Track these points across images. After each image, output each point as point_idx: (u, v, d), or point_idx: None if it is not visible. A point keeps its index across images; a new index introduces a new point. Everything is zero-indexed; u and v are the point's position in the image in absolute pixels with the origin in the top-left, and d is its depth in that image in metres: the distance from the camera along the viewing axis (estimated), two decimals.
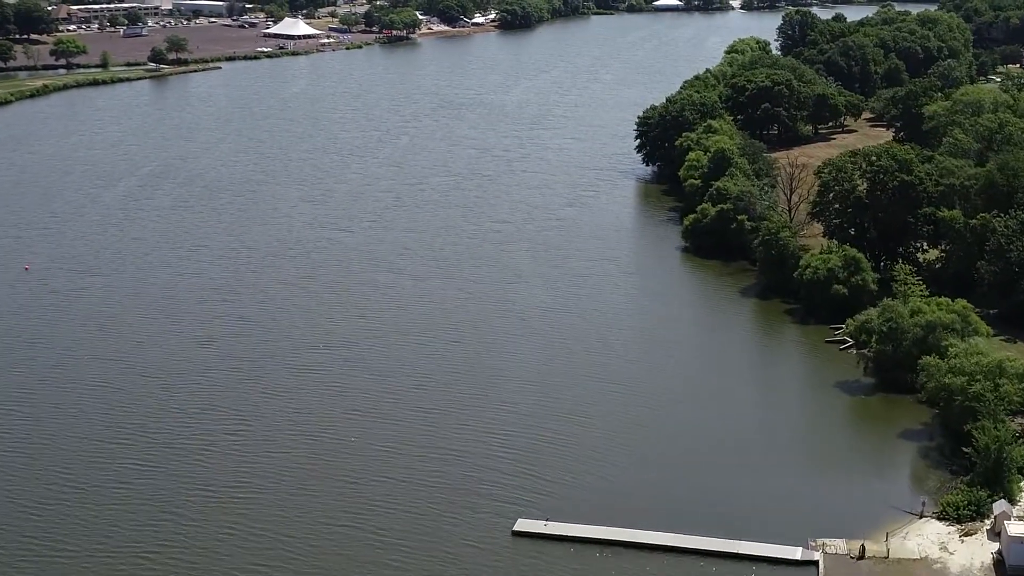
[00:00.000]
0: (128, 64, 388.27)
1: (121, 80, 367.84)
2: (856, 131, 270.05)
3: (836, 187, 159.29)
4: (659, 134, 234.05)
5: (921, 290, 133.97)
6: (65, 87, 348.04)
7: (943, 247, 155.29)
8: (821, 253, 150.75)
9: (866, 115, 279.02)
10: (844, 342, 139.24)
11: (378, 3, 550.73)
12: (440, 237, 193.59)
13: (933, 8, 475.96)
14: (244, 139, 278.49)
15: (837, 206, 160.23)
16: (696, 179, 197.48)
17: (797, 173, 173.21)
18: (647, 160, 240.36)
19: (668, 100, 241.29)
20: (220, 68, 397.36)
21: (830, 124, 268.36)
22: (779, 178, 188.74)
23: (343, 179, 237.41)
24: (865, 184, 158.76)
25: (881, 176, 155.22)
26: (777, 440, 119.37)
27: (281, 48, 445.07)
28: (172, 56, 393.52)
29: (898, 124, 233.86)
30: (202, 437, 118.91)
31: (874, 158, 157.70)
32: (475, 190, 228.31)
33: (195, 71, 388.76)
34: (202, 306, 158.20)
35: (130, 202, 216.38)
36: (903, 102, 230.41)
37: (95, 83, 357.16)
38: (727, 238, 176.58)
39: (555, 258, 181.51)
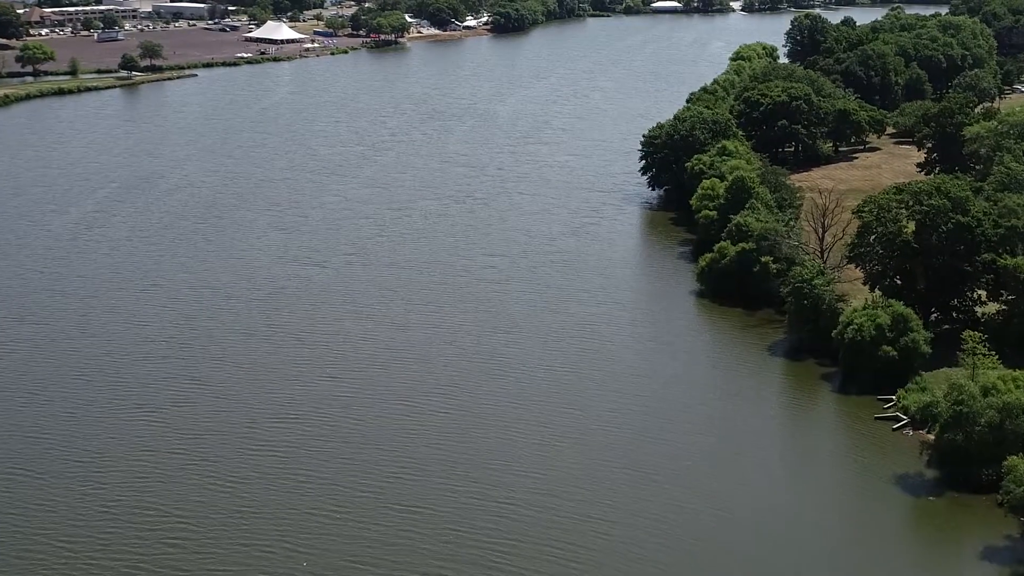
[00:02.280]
0: (99, 71, 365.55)
1: (89, 89, 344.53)
2: (880, 149, 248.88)
3: (879, 228, 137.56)
4: (667, 155, 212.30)
5: (993, 361, 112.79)
6: (28, 97, 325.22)
7: (1004, 299, 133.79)
8: (865, 308, 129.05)
9: (889, 129, 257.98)
10: (897, 419, 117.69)
11: (366, 5, 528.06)
12: (426, 275, 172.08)
13: (944, 11, 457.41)
14: (215, 156, 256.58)
15: (880, 250, 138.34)
16: (711, 210, 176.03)
17: (831, 208, 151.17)
18: (653, 184, 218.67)
19: (676, 118, 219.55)
20: (196, 76, 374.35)
21: (852, 141, 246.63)
22: (806, 210, 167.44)
23: (320, 203, 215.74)
24: (913, 225, 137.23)
25: (933, 217, 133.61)
26: (814, 549, 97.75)
27: (262, 53, 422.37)
28: (145, 63, 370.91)
29: (930, 144, 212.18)
30: (134, 542, 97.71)
31: (924, 196, 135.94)
32: (466, 216, 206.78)
33: (169, 79, 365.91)
34: (146, 366, 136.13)
35: (82, 230, 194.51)
36: (936, 120, 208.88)
37: (60, 92, 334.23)
38: (749, 282, 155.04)
39: (555, 301, 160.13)
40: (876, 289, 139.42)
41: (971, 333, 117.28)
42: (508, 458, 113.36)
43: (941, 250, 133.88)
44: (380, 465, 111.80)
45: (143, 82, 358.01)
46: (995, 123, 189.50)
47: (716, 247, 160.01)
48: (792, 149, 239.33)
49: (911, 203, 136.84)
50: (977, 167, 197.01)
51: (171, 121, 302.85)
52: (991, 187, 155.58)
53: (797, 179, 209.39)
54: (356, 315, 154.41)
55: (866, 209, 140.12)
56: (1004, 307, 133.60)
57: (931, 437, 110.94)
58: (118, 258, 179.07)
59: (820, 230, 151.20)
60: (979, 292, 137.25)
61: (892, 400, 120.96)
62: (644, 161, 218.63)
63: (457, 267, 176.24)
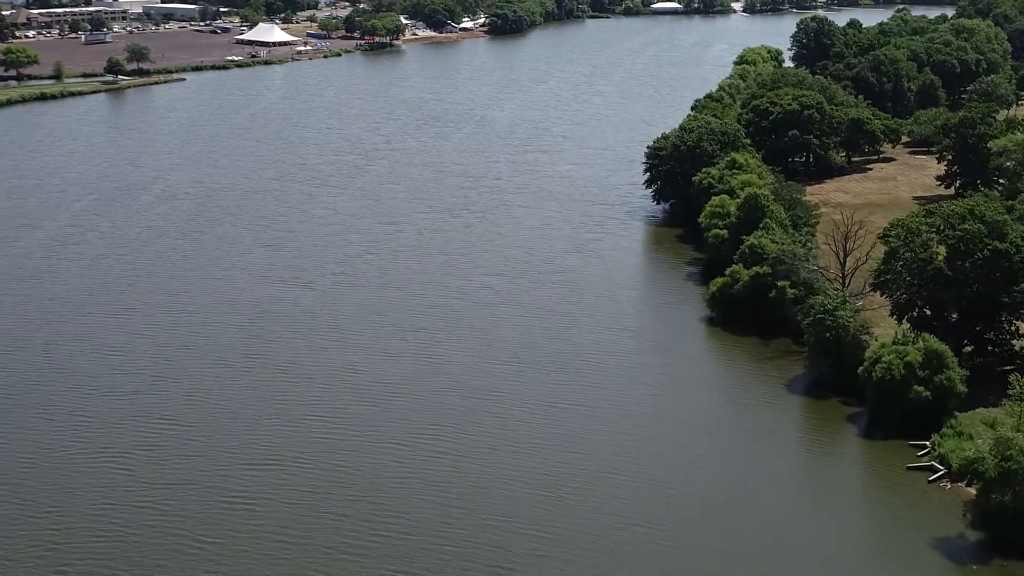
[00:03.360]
0: (84, 75, 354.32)
1: (73, 94, 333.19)
2: (895, 160, 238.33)
3: (907, 254, 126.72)
4: (673, 167, 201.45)
5: None
6: (9, 103, 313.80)
7: None
8: (894, 343, 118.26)
9: (903, 138, 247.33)
10: (932, 469, 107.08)
11: (361, 6, 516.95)
12: (419, 297, 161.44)
13: (950, 12, 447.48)
14: (200, 165, 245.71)
15: (908, 278, 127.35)
16: (721, 229, 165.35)
17: (854, 231, 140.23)
18: (658, 197, 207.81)
19: (682, 128, 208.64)
20: (184, 80, 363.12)
21: (865, 151, 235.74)
22: (822, 228, 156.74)
23: (309, 216, 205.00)
24: (943, 250, 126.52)
25: (967, 243, 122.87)
26: None
27: (253, 56, 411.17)
28: (132, 66, 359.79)
29: (950, 155, 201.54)
30: None
31: (956, 220, 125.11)
32: (462, 231, 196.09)
33: (157, 83, 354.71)
34: (114, 402, 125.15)
35: (55, 247, 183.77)
36: (956, 130, 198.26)
37: (43, 97, 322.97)
38: (764, 309, 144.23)
39: (556, 327, 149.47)
40: (904, 320, 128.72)
41: (1020, 377, 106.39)
42: (507, 513, 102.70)
43: (976, 278, 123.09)
44: (366, 521, 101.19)
45: (129, 86, 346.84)
46: (1022, 135, 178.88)
47: (728, 271, 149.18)
48: (803, 160, 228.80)
49: (942, 227, 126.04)
50: (1002, 182, 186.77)
51: (156, 128, 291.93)
52: (1023, 206, 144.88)
53: (809, 192, 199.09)
54: (343, 344, 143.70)
55: (893, 233, 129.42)
56: None
57: (972, 492, 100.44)
58: (91, 279, 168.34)
59: (842, 254, 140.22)
60: (1016, 324, 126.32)
61: (926, 447, 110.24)
62: (648, 173, 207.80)
63: (452, 288, 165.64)
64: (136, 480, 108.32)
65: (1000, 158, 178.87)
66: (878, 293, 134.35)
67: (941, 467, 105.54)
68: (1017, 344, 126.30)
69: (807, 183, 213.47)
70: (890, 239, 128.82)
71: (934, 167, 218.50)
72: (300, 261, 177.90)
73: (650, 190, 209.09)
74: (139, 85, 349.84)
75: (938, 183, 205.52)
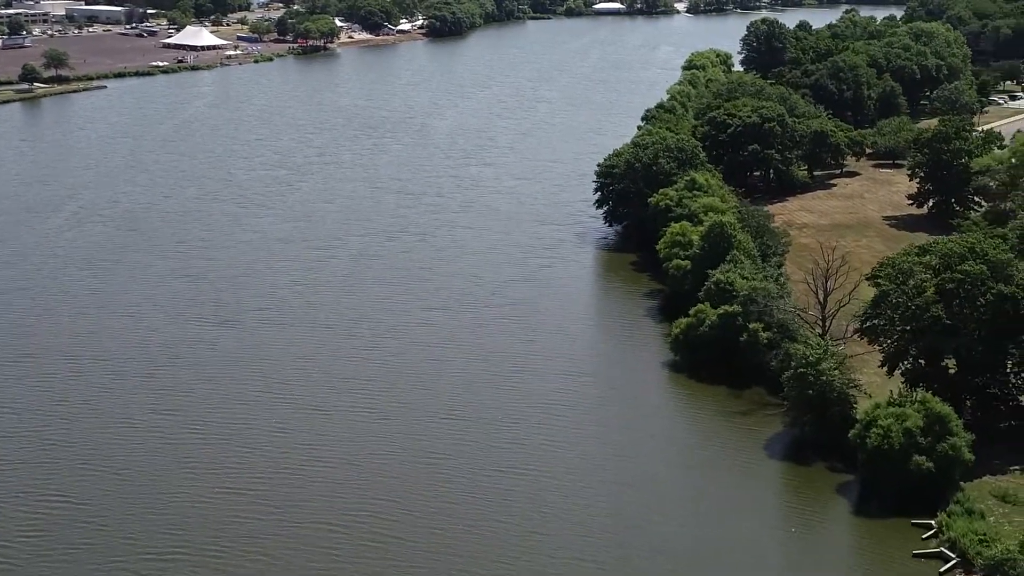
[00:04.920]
0: None
1: None
2: (859, 174, 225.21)
3: (899, 299, 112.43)
4: (626, 187, 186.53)
5: None
6: None
7: None
8: (890, 405, 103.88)
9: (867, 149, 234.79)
10: (944, 557, 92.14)
11: (294, 8, 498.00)
12: (353, 337, 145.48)
13: (899, 13, 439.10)
14: (117, 183, 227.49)
15: (901, 326, 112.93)
16: (683, 260, 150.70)
17: (835, 268, 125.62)
18: (610, 219, 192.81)
19: (636, 144, 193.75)
20: (106, 87, 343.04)
21: (829, 164, 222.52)
22: (799, 259, 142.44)
23: (233, 241, 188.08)
24: (933, 288, 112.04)
25: (968, 287, 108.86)
26: None
27: (179, 61, 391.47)
28: (50, 73, 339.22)
29: (923, 172, 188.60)
30: None
31: (955, 260, 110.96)
32: (401, 257, 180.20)
33: (76, 91, 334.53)
34: None
35: None
36: (929, 145, 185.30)
37: None
38: (734, 354, 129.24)
39: (504, 372, 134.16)
40: (895, 372, 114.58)
41: None
42: None
43: (978, 326, 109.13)
44: None
45: (45, 95, 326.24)
46: (1008, 154, 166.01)
47: (693, 310, 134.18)
48: (761, 174, 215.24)
49: (939, 268, 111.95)
50: (979, 201, 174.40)
51: (72, 140, 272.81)
52: (1015, 234, 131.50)
53: (771, 211, 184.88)
54: (265, 395, 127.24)
55: (883, 274, 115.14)
56: None
57: None
58: None
59: (822, 293, 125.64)
60: None
61: (931, 526, 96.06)
62: (599, 193, 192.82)
63: (389, 326, 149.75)
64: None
65: (983, 177, 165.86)
66: (865, 340, 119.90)
67: (953, 555, 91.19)
68: None
69: (768, 201, 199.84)
70: (880, 283, 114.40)
71: (902, 182, 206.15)
72: (220, 295, 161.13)
73: (601, 210, 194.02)
74: (56, 93, 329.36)
75: (910, 202, 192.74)
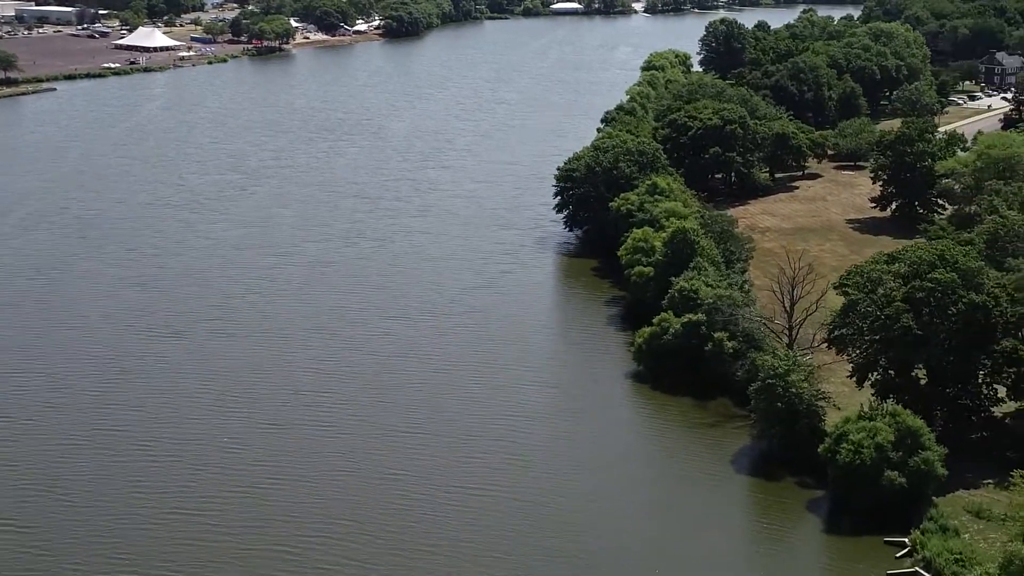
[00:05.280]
0: None
1: None
2: (821, 176, 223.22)
3: (868, 309, 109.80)
4: (587, 192, 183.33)
5: None
6: None
7: None
8: (860, 418, 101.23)
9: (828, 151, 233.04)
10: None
11: (249, 8, 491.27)
12: (308, 347, 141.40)
13: (856, 13, 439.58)
14: (66, 189, 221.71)
15: (870, 336, 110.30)
16: (646, 267, 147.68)
17: (802, 275, 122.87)
18: (570, 224, 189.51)
19: (596, 147, 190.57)
20: (55, 90, 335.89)
21: (790, 166, 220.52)
22: (762, 264, 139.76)
23: (185, 248, 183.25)
24: (905, 300, 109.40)
25: (939, 296, 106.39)
26: None
27: (132, 63, 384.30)
28: None
29: (886, 175, 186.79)
30: None
31: (925, 267, 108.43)
32: (358, 264, 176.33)
33: (24, 93, 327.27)
34: None
35: None
36: (892, 148, 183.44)
37: None
38: (699, 363, 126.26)
39: (466, 384, 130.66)
40: (865, 383, 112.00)
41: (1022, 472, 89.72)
42: None
43: (949, 336, 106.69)
44: None
45: None
46: (972, 156, 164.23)
47: (656, 319, 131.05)
48: (723, 177, 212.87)
49: (908, 276, 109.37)
50: (943, 204, 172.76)
51: (20, 144, 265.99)
52: (981, 239, 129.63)
53: (733, 215, 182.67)
54: (217, 410, 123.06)
55: (851, 282, 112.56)
56: None
57: None
58: None
59: (788, 302, 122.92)
60: (996, 387, 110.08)
61: (904, 544, 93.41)
62: (559, 197, 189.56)
63: (345, 336, 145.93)
64: None
65: (948, 181, 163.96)
66: (829, 347, 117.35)
67: (928, 575, 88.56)
68: (999, 412, 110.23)
69: (730, 204, 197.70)
70: (848, 291, 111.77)
71: (864, 184, 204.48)
72: (171, 304, 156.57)
73: (561, 214, 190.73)
74: (4, 96, 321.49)
75: (872, 204, 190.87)
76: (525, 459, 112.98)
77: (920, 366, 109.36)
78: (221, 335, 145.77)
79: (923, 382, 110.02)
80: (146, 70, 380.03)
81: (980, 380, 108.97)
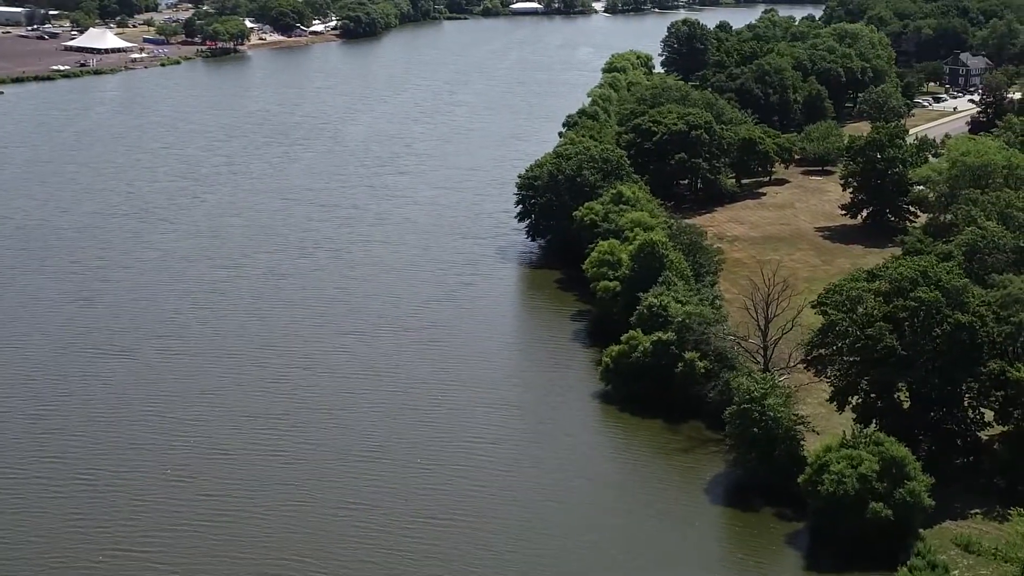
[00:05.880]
0: None
1: None
2: (788, 181, 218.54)
3: (848, 328, 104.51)
4: (549, 200, 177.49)
5: None
6: None
7: (1017, 422, 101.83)
8: (842, 447, 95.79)
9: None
10: None
11: (204, 8, 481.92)
12: (259, 367, 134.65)
13: (818, 13, 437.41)
14: (9, 197, 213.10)
15: (850, 357, 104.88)
16: (612, 281, 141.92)
17: (777, 292, 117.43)
18: (533, 234, 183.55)
19: (558, 154, 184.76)
20: (2, 93, 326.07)
21: (757, 171, 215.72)
22: (731, 275, 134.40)
23: (133, 259, 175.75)
24: (887, 320, 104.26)
25: (922, 315, 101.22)
26: None
27: (82, 65, 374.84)
28: None
29: (856, 182, 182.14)
30: None
31: (907, 285, 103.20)
32: (313, 276, 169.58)
33: None
34: None
35: None
36: (863, 153, 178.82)
37: None
38: (669, 382, 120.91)
39: (426, 405, 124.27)
40: (846, 408, 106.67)
41: (1020, 511, 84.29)
42: None
43: (933, 357, 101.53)
44: None
45: None
46: (946, 164, 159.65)
47: (625, 337, 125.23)
48: (689, 183, 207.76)
49: (890, 294, 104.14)
50: (915, 211, 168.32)
51: None
52: (960, 251, 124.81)
53: (700, 222, 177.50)
54: (162, 436, 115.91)
55: (830, 301, 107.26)
56: (1015, 428, 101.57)
57: None
58: None
59: (763, 321, 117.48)
60: (981, 410, 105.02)
61: None
62: (520, 205, 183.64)
63: (300, 354, 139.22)
64: None
65: (922, 188, 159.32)
66: (807, 367, 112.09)
67: None
68: (984, 435, 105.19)
69: (696, 212, 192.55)
70: (828, 311, 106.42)
71: (833, 190, 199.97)
72: (116, 320, 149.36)
73: (523, 223, 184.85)
74: None
75: (842, 212, 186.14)
76: (487, 487, 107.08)
77: (903, 387, 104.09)
78: (168, 353, 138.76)
79: (906, 405, 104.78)
80: (97, 72, 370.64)
81: (966, 403, 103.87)
